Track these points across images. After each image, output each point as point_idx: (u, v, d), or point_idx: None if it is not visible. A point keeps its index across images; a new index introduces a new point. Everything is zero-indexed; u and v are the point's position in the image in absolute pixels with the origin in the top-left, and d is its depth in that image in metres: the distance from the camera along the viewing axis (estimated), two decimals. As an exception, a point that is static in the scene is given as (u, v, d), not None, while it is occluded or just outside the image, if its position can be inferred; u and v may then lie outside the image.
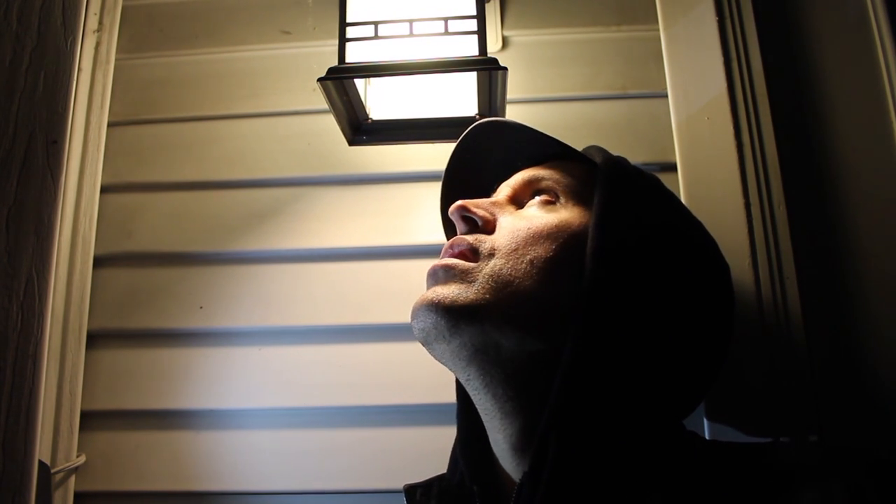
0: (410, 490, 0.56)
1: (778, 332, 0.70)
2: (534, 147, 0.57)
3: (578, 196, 0.52)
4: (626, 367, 0.45)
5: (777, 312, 0.71)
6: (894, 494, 0.37)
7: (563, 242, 0.49)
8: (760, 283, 0.72)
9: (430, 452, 0.78)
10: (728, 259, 0.57)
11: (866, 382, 0.70)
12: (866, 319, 0.72)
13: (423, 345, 0.50)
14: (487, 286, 0.47)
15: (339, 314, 0.84)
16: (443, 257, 0.52)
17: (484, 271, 0.48)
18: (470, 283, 0.48)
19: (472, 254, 0.50)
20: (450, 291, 0.48)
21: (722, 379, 0.55)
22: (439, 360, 0.51)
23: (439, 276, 0.50)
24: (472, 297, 0.47)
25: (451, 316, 0.46)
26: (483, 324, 0.46)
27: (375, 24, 0.73)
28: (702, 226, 0.57)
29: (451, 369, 0.51)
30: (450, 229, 0.63)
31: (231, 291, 0.86)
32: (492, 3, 0.91)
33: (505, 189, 0.56)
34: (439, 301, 0.47)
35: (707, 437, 0.69)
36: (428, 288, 0.50)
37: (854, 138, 0.77)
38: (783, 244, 0.73)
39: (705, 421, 0.70)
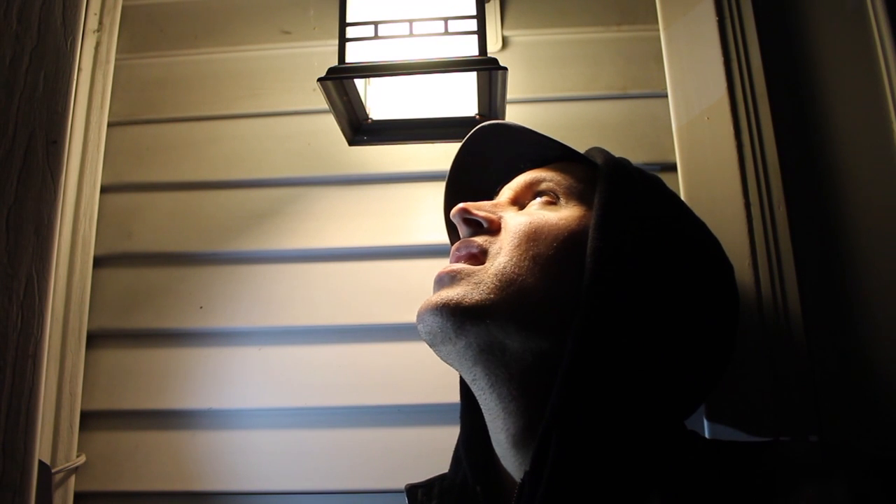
0: (412, 490, 0.56)
1: (778, 332, 0.70)
2: (536, 149, 0.58)
3: (580, 197, 0.53)
4: (627, 367, 0.45)
5: (777, 312, 0.71)
6: None
7: (564, 241, 0.49)
8: (760, 283, 0.72)
9: (430, 452, 0.78)
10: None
11: (866, 382, 0.70)
12: (866, 319, 0.72)
13: (430, 346, 0.51)
14: (493, 285, 0.48)
15: (339, 314, 0.84)
16: (451, 261, 0.53)
17: (489, 271, 0.49)
18: (476, 284, 0.48)
19: (483, 255, 0.51)
20: (455, 293, 0.48)
21: (722, 379, 0.55)
22: (445, 361, 0.51)
23: (445, 281, 0.50)
24: (477, 297, 0.47)
25: (456, 317, 0.47)
26: (488, 323, 0.47)
27: (375, 24, 0.73)
28: (704, 226, 0.57)
29: (457, 369, 0.52)
30: (453, 233, 0.63)
31: (231, 291, 0.86)
32: (492, 3, 0.91)
33: (506, 192, 0.57)
34: (445, 303, 0.48)
35: (707, 437, 0.69)
36: (434, 293, 0.51)
37: (854, 138, 0.77)
38: (783, 244, 0.73)
39: (705, 421, 0.70)
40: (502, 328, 0.47)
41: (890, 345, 0.70)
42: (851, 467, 0.38)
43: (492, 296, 0.47)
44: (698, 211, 0.59)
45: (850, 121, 0.77)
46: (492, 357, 0.48)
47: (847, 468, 0.38)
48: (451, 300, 0.47)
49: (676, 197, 0.57)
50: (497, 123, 0.59)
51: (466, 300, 0.47)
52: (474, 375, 0.49)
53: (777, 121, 0.77)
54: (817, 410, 0.68)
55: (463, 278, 0.49)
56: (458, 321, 0.47)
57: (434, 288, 0.52)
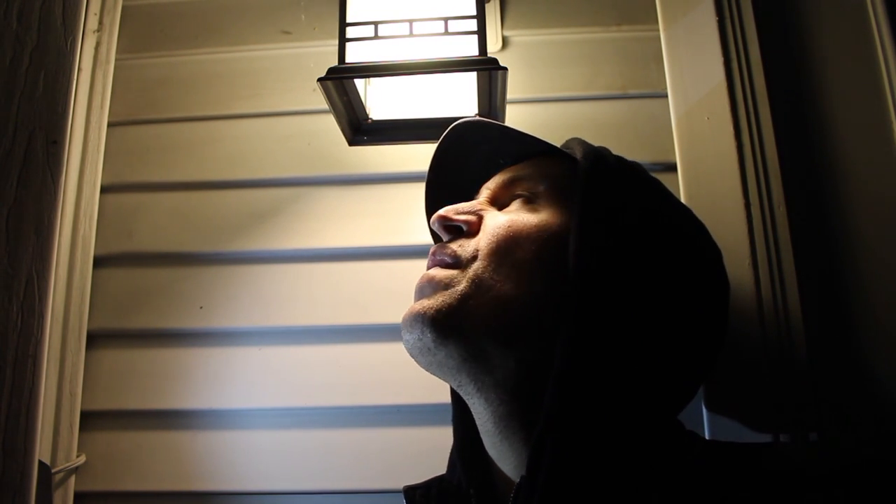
0: (410, 491, 0.56)
1: (778, 331, 0.70)
2: (514, 145, 0.57)
3: (559, 194, 0.52)
4: (620, 367, 0.45)
5: (777, 312, 0.71)
6: None
7: (545, 243, 0.48)
8: (760, 283, 0.72)
9: (429, 452, 0.78)
10: (728, 259, 0.56)
11: (866, 381, 0.70)
12: (866, 319, 0.72)
13: (412, 357, 0.50)
14: (469, 293, 0.47)
15: (339, 314, 0.84)
16: (427, 267, 0.53)
17: (467, 276, 0.48)
18: (453, 292, 0.48)
19: (454, 260, 0.50)
20: (433, 302, 0.48)
21: (722, 378, 0.55)
22: (428, 371, 0.51)
23: (425, 291, 0.50)
24: (455, 306, 0.47)
25: (435, 328, 0.47)
26: (467, 333, 0.46)
27: (375, 24, 0.73)
28: (690, 212, 0.56)
29: (442, 378, 0.51)
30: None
31: (231, 291, 0.86)
32: (492, 3, 0.91)
33: (485, 191, 0.56)
34: (424, 312, 0.47)
35: (707, 435, 0.69)
36: (415, 301, 0.51)
37: (854, 138, 0.77)
38: (783, 244, 0.73)
39: (705, 420, 0.70)
40: (482, 336, 0.46)
41: (890, 345, 0.70)
42: (851, 470, 0.38)
43: (470, 303, 0.47)
44: (698, 210, 0.58)
45: (850, 120, 0.77)
46: (475, 364, 0.47)
47: (847, 471, 0.38)
48: (430, 308, 0.47)
49: (658, 184, 0.56)
50: (473, 121, 0.58)
51: (443, 310, 0.47)
52: (459, 382, 0.49)
53: (777, 121, 0.77)
54: (817, 409, 0.68)
55: (438, 284, 0.49)
56: (437, 331, 0.47)
57: (415, 296, 0.51)
